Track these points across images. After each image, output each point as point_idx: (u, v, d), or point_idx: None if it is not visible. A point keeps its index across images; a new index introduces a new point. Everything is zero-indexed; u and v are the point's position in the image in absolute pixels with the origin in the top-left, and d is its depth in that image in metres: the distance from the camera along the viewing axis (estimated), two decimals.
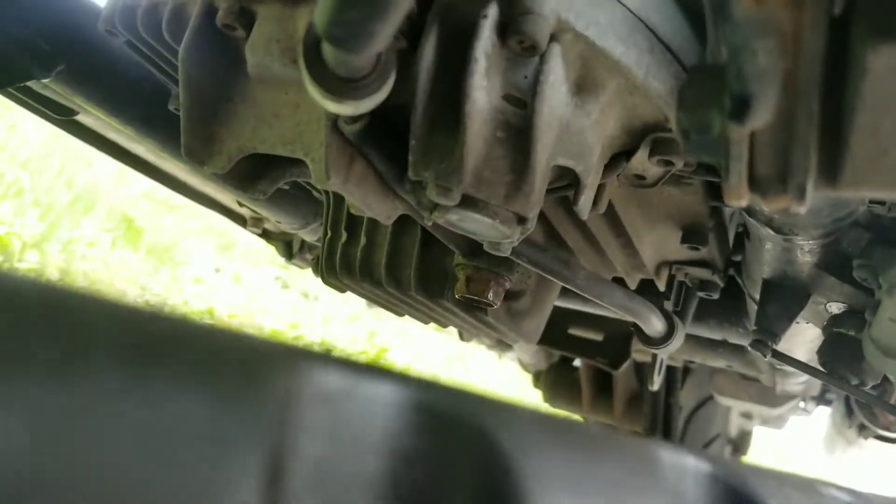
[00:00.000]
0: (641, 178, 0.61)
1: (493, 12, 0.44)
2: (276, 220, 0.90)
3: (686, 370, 1.35)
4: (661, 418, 1.19)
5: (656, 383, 0.88)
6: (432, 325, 0.89)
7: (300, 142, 0.53)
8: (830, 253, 0.65)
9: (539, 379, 1.50)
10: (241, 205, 0.99)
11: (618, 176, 0.60)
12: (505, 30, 0.45)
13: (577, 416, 1.47)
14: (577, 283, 0.67)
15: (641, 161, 0.58)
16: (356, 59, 0.37)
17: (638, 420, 1.33)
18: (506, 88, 0.47)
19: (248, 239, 1.09)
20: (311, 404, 0.20)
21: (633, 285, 0.84)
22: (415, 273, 0.72)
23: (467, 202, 0.49)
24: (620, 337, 1.03)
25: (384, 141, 0.52)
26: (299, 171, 0.59)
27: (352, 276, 0.76)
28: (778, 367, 0.95)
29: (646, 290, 0.86)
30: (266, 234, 1.08)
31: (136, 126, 0.74)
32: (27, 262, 2.06)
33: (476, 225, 0.53)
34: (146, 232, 2.70)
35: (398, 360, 3.49)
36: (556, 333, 1.06)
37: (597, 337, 1.06)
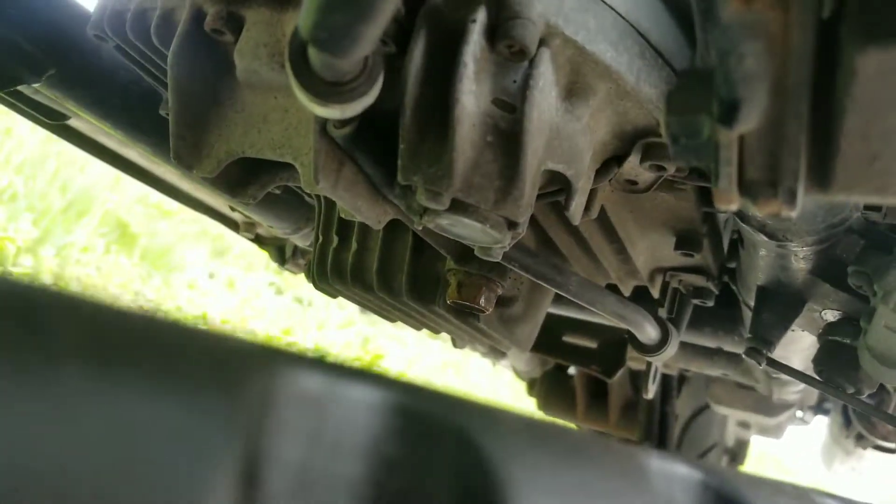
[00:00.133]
0: (634, 183, 0.61)
1: (481, 17, 0.44)
2: (268, 225, 0.90)
3: (682, 378, 1.34)
4: (657, 427, 1.18)
5: (651, 391, 0.88)
6: (426, 331, 0.88)
7: (289, 146, 0.52)
8: (825, 259, 0.64)
9: (533, 387, 1.49)
10: (233, 209, 0.98)
11: (610, 181, 0.59)
12: (494, 34, 0.45)
13: (571, 424, 1.46)
14: (570, 289, 0.66)
15: (633, 166, 0.57)
16: (342, 63, 0.37)
17: (633, 428, 1.32)
18: (495, 93, 0.47)
19: (242, 244, 1.09)
20: (291, 407, 0.20)
21: (626, 292, 0.84)
22: (406, 278, 0.71)
23: (457, 206, 0.49)
24: (615, 345, 1.03)
25: (373, 145, 0.51)
26: (289, 176, 0.59)
27: (343, 282, 0.75)
28: (774, 375, 0.94)
29: (640, 297, 0.85)
30: (259, 240, 1.07)
31: (126, 130, 0.74)
32: (21, 267, 2.05)
33: (466, 230, 0.52)
34: (140, 237, 2.70)
35: (392, 366, 3.48)
36: (550, 341, 1.05)
37: (591, 344, 1.05)
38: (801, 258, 0.63)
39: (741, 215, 0.63)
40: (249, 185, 0.59)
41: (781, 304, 0.71)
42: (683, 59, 0.51)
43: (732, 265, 0.82)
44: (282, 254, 1.07)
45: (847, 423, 1.40)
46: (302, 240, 0.94)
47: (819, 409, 1.56)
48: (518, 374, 1.50)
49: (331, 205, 0.77)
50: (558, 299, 0.91)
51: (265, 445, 0.19)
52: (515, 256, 0.63)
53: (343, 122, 0.48)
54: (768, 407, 1.28)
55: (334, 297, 0.82)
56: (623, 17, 0.47)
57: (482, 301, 0.68)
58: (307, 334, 3.22)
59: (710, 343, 0.96)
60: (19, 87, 0.69)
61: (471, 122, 0.46)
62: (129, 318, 0.18)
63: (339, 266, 0.75)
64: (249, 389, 0.18)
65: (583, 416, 1.41)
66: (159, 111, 0.69)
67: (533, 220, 0.70)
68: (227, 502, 0.16)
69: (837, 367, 0.72)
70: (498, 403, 0.26)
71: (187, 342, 0.18)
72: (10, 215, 2.16)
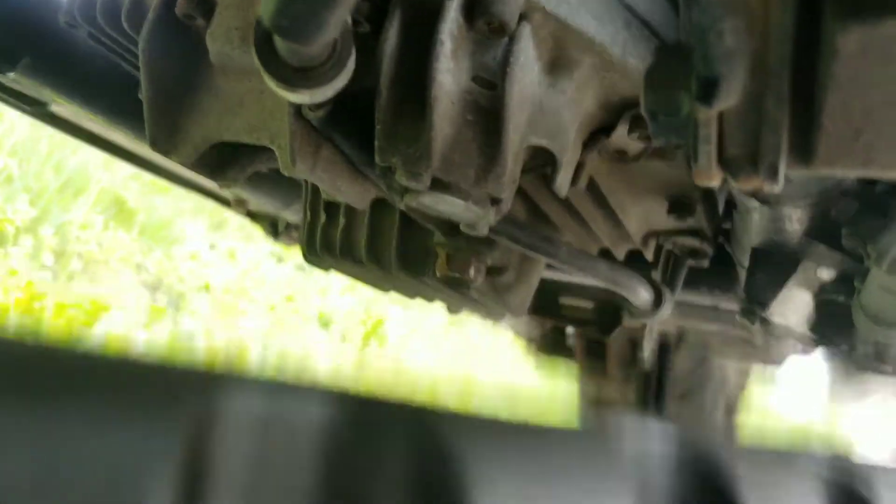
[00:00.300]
0: (623, 153, 0.59)
1: None
2: (258, 202, 0.89)
3: (680, 333, 1.35)
4: (654, 383, 1.20)
5: (647, 350, 0.89)
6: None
7: (265, 129, 0.51)
8: (819, 221, 0.63)
9: (532, 347, 1.51)
10: (222, 187, 0.97)
11: (598, 152, 0.58)
12: (472, 11, 0.43)
13: (571, 382, 1.48)
14: (560, 258, 0.66)
15: (621, 137, 0.56)
16: (307, 49, 0.36)
17: (632, 384, 1.34)
18: (475, 70, 0.45)
19: (239, 217, 1.09)
20: (232, 429, 0.20)
21: (620, 256, 0.83)
22: (395, 253, 0.71)
23: (438, 185, 0.48)
24: (612, 305, 1.03)
25: (351, 125, 0.50)
26: (268, 158, 0.58)
27: (333, 257, 0.75)
28: (771, 331, 0.95)
29: (636, 259, 0.85)
30: (251, 215, 1.07)
31: (106, 115, 0.73)
32: (22, 248, 2.06)
33: (450, 207, 0.52)
34: (138, 212, 2.70)
35: (395, 329, 3.52)
36: (547, 303, 1.06)
37: (588, 305, 1.05)
38: (794, 220, 0.62)
39: None
40: (230, 169, 0.59)
41: (776, 265, 0.71)
42: (672, 29, 0.49)
43: (727, 225, 0.81)
44: (275, 228, 1.07)
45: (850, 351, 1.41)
46: (293, 215, 0.93)
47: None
48: (517, 335, 1.52)
49: None
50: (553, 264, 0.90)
51: (208, 471, 0.19)
52: (503, 229, 0.62)
53: (318, 105, 0.47)
54: (767, 356, 1.29)
55: (326, 270, 0.82)
56: None
57: (471, 273, 0.68)
58: (310, 301, 3.25)
59: (706, 302, 0.97)
60: None
61: (449, 100, 0.45)
62: (55, 353, 0.18)
63: (328, 242, 0.75)
64: (187, 414, 0.19)
65: (581, 374, 1.43)
66: (139, 95, 0.67)
67: (522, 193, 0.69)
68: None
69: (832, 325, 0.73)
70: (451, 407, 0.26)
71: (118, 373, 0.18)
72: (7, 197, 2.15)
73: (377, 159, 0.48)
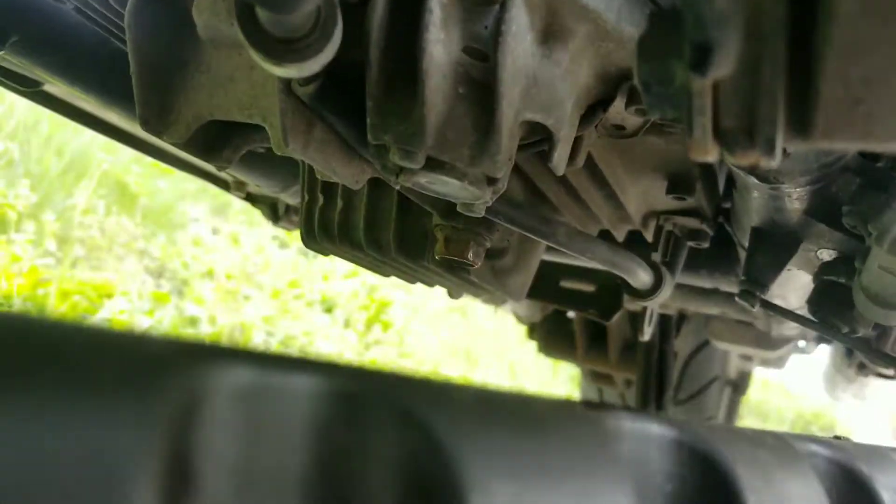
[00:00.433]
0: (621, 128, 0.58)
1: None
2: (256, 184, 0.89)
3: (681, 317, 1.35)
4: (656, 366, 1.19)
5: (647, 333, 0.88)
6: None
7: (257, 106, 0.50)
8: (820, 199, 0.62)
9: (533, 331, 1.51)
10: (220, 169, 0.97)
11: (596, 127, 0.57)
12: None
13: (572, 365, 1.48)
14: (558, 239, 0.65)
15: (619, 111, 0.55)
16: (288, 18, 0.35)
17: (633, 368, 1.33)
18: (465, 40, 0.44)
19: (242, 201, 1.09)
20: (221, 404, 0.19)
21: (620, 237, 0.82)
22: (394, 235, 0.70)
23: (433, 164, 0.47)
24: (612, 288, 1.03)
25: (342, 102, 0.49)
26: (261, 137, 0.57)
27: (332, 241, 0.75)
28: (771, 313, 0.94)
29: (636, 241, 0.84)
30: (251, 198, 1.06)
31: (98, 94, 0.72)
32: (24, 233, 2.07)
33: (446, 187, 0.51)
34: (140, 197, 2.69)
35: (399, 313, 3.53)
36: (548, 286, 1.05)
37: (589, 288, 1.05)
38: (794, 199, 0.61)
39: None
40: (223, 149, 0.58)
41: (776, 245, 0.70)
42: None
43: (728, 206, 0.80)
44: (275, 211, 1.06)
45: (849, 352, 1.41)
46: (291, 197, 0.93)
47: (821, 338, 1.57)
48: (518, 318, 1.52)
49: None
50: (553, 246, 0.90)
51: (197, 446, 0.18)
52: (500, 209, 0.61)
53: (307, 80, 0.46)
54: (769, 341, 1.28)
55: (326, 254, 0.81)
56: None
57: (470, 255, 0.67)
58: (313, 285, 3.26)
59: (706, 284, 0.96)
60: None
61: (440, 72, 0.44)
62: (32, 326, 0.17)
63: (326, 225, 0.74)
64: (173, 390, 0.18)
65: (583, 357, 1.43)
66: (130, 72, 0.66)
67: (519, 171, 0.68)
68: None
69: (832, 307, 0.72)
70: (446, 378, 0.25)
71: (100, 347, 0.18)
72: (9, 182, 2.15)
73: (370, 137, 0.47)
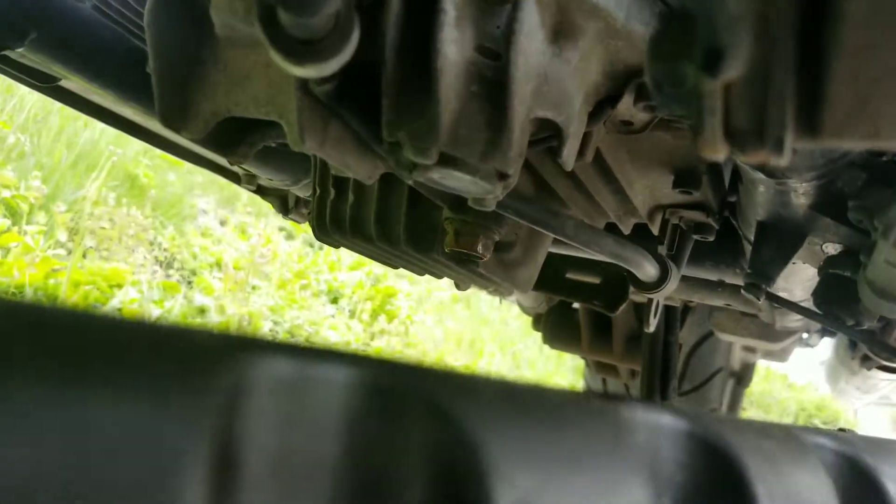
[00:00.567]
0: (629, 124, 0.59)
1: None
2: (267, 178, 0.90)
3: (686, 308, 1.36)
4: (660, 357, 1.20)
5: (652, 325, 0.89)
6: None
7: (273, 104, 0.51)
8: (826, 194, 0.63)
9: (539, 322, 1.52)
10: (232, 163, 0.98)
11: (604, 123, 0.58)
12: None
13: (576, 357, 1.49)
14: (566, 232, 0.66)
15: (627, 107, 0.56)
16: (310, 21, 0.36)
17: (638, 359, 1.35)
18: (478, 40, 0.45)
19: (250, 192, 1.10)
20: (262, 394, 0.21)
21: (626, 230, 0.83)
22: (404, 229, 0.72)
23: (446, 160, 0.48)
24: (618, 280, 1.04)
25: (358, 100, 0.50)
26: (277, 134, 0.58)
27: (343, 233, 0.76)
28: (776, 306, 0.95)
29: (642, 233, 0.85)
30: (261, 191, 1.07)
31: (115, 90, 0.73)
32: (35, 225, 2.09)
33: (457, 182, 0.52)
34: (150, 188, 2.71)
35: (404, 303, 3.55)
36: (554, 278, 1.06)
37: (594, 280, 1.06)
38: (801, 193, 0.62)
39: None
40: (239, 145, 0.59)
41: (781, 239, 0.71)
42: None
43: (734, 199, 0.80)
44: (285, 204, 1.08)
45: (853, 344, 1.41)
46: (302, 191, 0.94)
47: (825, 331, 1.58)
48: (524, 309, 1.53)
49: None
50: (560, 239, 0.91)
51: (239, 434, 0.19)
52: (510, 203, 0.63)
53: (324, 79, 0.47)
54: (772, 333, 1.29)
55: (336, 247, 0.83)
56: None
57: (480, 248, 0.68)
58: (320, 276, 3.28)
59: (711, 276, 0.97)
60: (5, 52, 0.68)
61: (454, 71, 0.45)
62: (80, 320, 0.18)
63: (337, 218, 0.75)
64: (217, 381, 0.19)
65: (587, 348, 1.44)
66: (147, 69, 0.67)
67: (528, 166, 0.69)
68: (201, 492, 0.17)
69: (837, 300, 0.73)
70: (471, 371, 0.27)
71: (148, 340, 0.19)
72: (21, 174, 2.17)
73: (384, 134, 0.48)
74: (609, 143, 0.65)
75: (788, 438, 0.42)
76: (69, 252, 2.20)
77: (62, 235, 2.18)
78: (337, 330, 3.02)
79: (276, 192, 1.06)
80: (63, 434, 0.16)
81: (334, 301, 3.28)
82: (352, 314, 3.30)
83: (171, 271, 2.58)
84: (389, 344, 3.21)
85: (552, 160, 0.68)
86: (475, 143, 0.47)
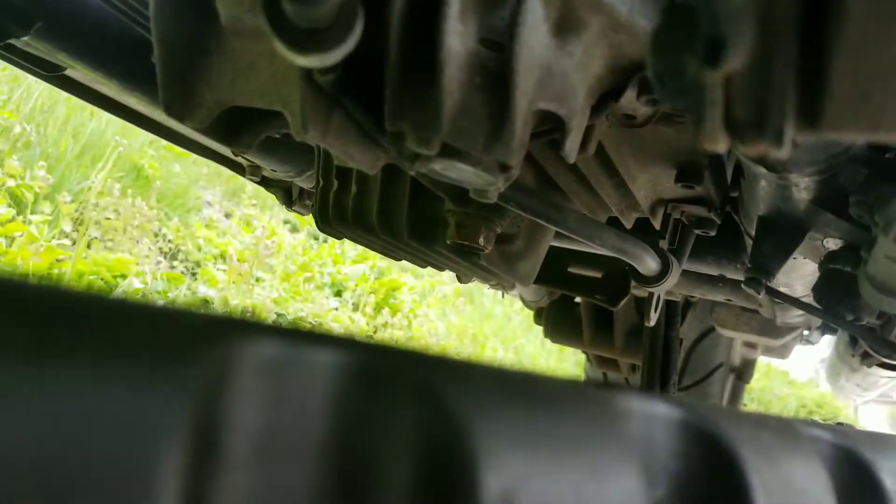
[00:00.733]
0: (631, 117, 0.59)
1: None
2: (271, 169, 0.90)
3: (687, 303, 1.36)
4: (661, 352, 1.21)
5: (652, 319, 0.90)
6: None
7: (277, 93, 0.52)
8: (827, 189, 0.63)
9: (540, 315, 1.53)
10: (236, 153, 0.98)
11: (607, 117, 0.58)
12: None
13: (578, 352, 1.49)
14: (568, 225, 0.66)
15: (630, 101, 0.56)
16: (314, 10, 0.36)
17: (638, 353, 1.35)
18: (482, 32, 0.45)
19: (255, 184, 1.10)
20: (247, 375, 0.20)
21: (628, 224, 0.83)
22: (406, 220, 0.72)
23: (448, 151, 0.49)
24: (619, 274, 1.04)
25: (361, 90, 0.50)
26: (281, 124, 0.59)
27: (346, 225, 0.76)
28: (776, 301, 0.95)
29: (644, 228, 0.85)
30: (265, 182, 1.08)
31: (120, 79, 0.73)
32: (40, 214, 2.10)
33: (460, 173, 0.52)
34: (155, 179, 2.72)
35: (408, 297, 3.56)
36: (555, 272, 1.06)
37: (596, 274, 1.06)
38: (802, 189, 0.62)
39: None
40: (243, 134, 0.59)
41: (782, 234, 0.71)
42: None
43: (735, 194, 0.80)
44: (289, 196, 1.08)
45: (853, 341, 1.41)
46: (306, 182, 0.94)
47: (826, 328, 1.58)
48: (525, 303, 1.54)
49: None
50: (561, 232, 0.91)
51: (221, 415, 0.19)
52: (511, 196, 0.63)
53: (327, 69, 0.47)
54: (773, 329, 1.29)
55: (339, 238, 0.83)
56: None
57: (481, 241, 0.69)
58: (323, 269, 3.29)
59: (712, 271, 0.97)
60: (10, 41, 0.68)
61: (457, 63, 0.45)
62: (62, 297, 0.18)
63: (340, 209, 0.76)
64: (199, 361, 0.18)
65: (589, 342, 1.45)
66: (153, 59, 0.68)
67: (531, 159, 0.69)
68: (181, 471, 0.16)
69: (837, 295, 0.73)
70: (464, 356, 0.27)
71: (127, 319, 0.18)
72: (26, 163, 2.18)
73: (387, 125, 0.48)
74: (611, 136, 0.65)
75: (784, 429, 0.42)
76: (74, 242, 2.21)
77: (67, 225, 2.19)
78: (340, 323, 3.03)
79: (280, 183, 1.07)
80: (40, 410, 0.15)
81: (338, 294, 3.29)
82: (355, 307, 3.31)
83: (175, 262, 2.60)
84: (392, 337, 3.22)
85: (555, 153, 0.69)
86: (477, 135, 0.48)
